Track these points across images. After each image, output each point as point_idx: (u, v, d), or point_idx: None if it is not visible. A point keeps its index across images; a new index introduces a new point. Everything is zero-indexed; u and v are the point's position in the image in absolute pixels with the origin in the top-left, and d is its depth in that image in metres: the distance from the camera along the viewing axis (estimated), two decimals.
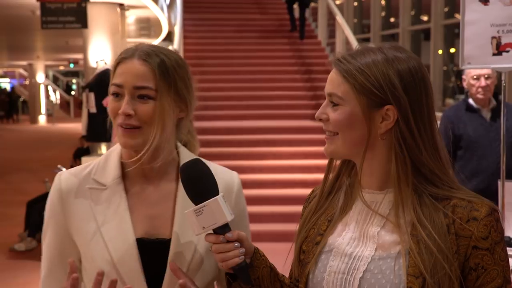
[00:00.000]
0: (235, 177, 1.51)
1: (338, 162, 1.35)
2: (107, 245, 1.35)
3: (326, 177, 1.36)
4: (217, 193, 1.25)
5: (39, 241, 6.62)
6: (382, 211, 1.24)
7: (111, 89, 1.37)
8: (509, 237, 3.05)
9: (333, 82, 1.24)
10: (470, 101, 3.90)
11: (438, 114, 4.43)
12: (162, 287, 1.36)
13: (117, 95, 1.36)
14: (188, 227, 1.36)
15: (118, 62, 1.37)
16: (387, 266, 1.19)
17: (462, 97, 4.14)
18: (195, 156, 1.40)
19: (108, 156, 1.44)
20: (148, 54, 1.36)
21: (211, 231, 1.25)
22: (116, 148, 1.44)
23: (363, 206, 1.27)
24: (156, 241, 1.38)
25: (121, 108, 1.34)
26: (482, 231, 1.18)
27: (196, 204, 1.24)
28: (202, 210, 1.23)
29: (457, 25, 13.21)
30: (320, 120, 1.26)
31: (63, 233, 1.40)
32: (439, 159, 1.23)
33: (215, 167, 1.44)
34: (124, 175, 1.42)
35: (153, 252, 1.37)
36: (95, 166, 1.43)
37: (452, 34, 13.10)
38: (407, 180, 1.21)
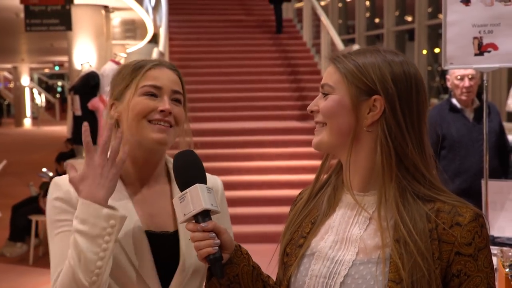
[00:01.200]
0: (219, 182, 1.62)
1: (332, 163, 1.35)
2: (120, 243, 1.38)
3: (317, 178, 1.36)
4: (203, 183, 1.29)
5: (28, 245, 6.58)
6: (365, 213, 1.24)
7: (145, 89, 1.45)
8: (493, 236, 3.08)
9: (327, 75, 1.28)
10: (454, 101, 3.93)
11: None
12: (174, 277, 1.42)
13: (153, 95, 1.45)
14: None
15: (149, 68, 1.47)
16: (368, 271, 1.18)
17: (446, 96, 4.17)
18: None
19: None
20: (172, 64, 1.52)
21: (193, 219, 1.27)
22: None
23: (346, 209, 1.27)
24: (162, 233, 1.45)
25: (163, 106, 1.44)
26: (466, 237, 1.16)
27: (182, 190, 1.29)
28: (184, 197, 1.27)
29: (440, 26, 13.27)
30: (312, 112, 1.28)
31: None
32: (424, 156, 1.23)
33: None
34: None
35: (160, 244, 1.43)
36: None
37: (436, 34, 13.20)
38: (391, 174, 1.21)
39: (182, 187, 1.29)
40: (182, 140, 1.54)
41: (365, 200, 1.25)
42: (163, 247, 1.44)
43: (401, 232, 1.17)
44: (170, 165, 1.50)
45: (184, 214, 1.27)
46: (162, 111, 1.43)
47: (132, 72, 1.48)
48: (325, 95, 1.26)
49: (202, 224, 1.25)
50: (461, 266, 1.17)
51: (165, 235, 1.45)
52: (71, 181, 1.32)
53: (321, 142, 1.27)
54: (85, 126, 1.33)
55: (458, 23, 2.96)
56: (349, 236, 1.24)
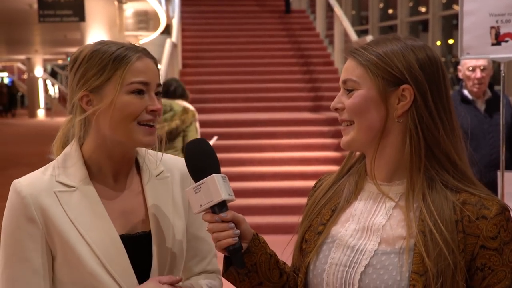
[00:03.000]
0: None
1: (358, 153, 1.33)
2: (91, 247, 1.32)
3: (343, 166, 1.34)
4: (218, 172, 1.25)
5: None
6: (389, 203, 1.22)
7: (133, 86, 1.33)
8: None
9: (348, 69, 1.24)
10: (465, 92, 3.88)
11: None
12: (151, 277, 1.37)
13: (140, 93, 1.34)
14: (163, 218, 1.40)
15: (134, 61, 1.34)
16: (390, 262, 1.16)
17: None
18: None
19: (67, 157, 1.39)
20: (148, 51, 1.39)
21: (209, 210, 1.24)
22: (75, 148, 1.39)
23: (369, 198, 1.25)
24: (138, 235, 1.39)
25: (154, 105, 1.34)
26: (491, 230, 1.14)
27: (196, 182, 1.25)
28: (200, 187, 1.23)
29: (455, 16, 13.19)
30: (336, 110, 1.25)
31: (40, 243, 1.33)
32: (455, 140, 1.21)
33: (166, 156, 1.49)
34: (89, 176, 1.38)
35: (136, 246, 1.37)
36: (55, 169, 1.38)
37: (450, 25, 13.08)
38: (420, 164, 1.18)
39: (196, 176, 1.25)
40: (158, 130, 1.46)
41: (390, 190, 1.23)
42: (140, 249, 1.37)
43: (427, 223, 1.15)
44: (139, 155, 1.45)
45: (201, 205, 1.23)
46: (152, 111, 1.35)
47: (113, 63, 1.33)
48: (350, 91, 1.22)
49: (222, 215, 1.22)
50: (486, 260, 1.15)
51: (142, 236, 1.38)
52: None
53: (352, 141, 1.24)
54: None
55: (475, 12, 2.92)
56: (371, 225, 1.22)
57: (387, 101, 1.19)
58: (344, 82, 1.24)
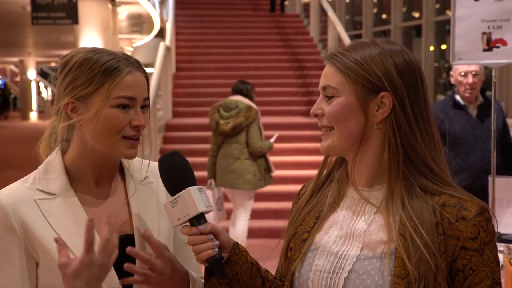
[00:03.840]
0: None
1: (334, 158, 1.33)
2: (73, 253, 1.31)
3: (319, 173, 1.34)
4: (193, 184, 1.25)
5: None
6: (370, 208, 1.23)
7: (119, 101, 1.32)
8: (499, 233, 3.07)
9: (327, 75, 1.23)
10: (457, 97, 3.90)
11: None
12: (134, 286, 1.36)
13: (126, 107, 1.33)
14: (147, 221, 1.40)
15: (124, 75, 1.33)
16: (372, 267, 1.17)
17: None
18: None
19: (48, 165, 1.39)
20: (139, 63, 1.38)
21: (187, 223, 1.24)
22: (56, 155, 1.39)
23: (351, 204, 1.26)
24: (121, 238, 1.35)
25: (138, 121, 1.34)
26: (471, 231, 1.15)
27: (172, 195, 1.25)
28: (176, 201, 1.24)
29: (448, 22, 13.21)
30: (316, 116, 1.25)
31: (21, 252, 1.33)
32: (433, 145, 1.21)
33: (151, 162, 1.49)
34: (70, 181, 1.38)
35: (119, 249, 1.33)
36: (36, 177, 1.38)
37: (444, 31, 13.13)
38: (398, 170, 1.19)
39: (172, 190, 1.25)
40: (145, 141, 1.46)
41: (370, 195, 1.24)
42: (123, 252, 1.33)
43: (407, 227, 1.16)
44: (124, 161, 1.44)
45: (179, 219, 1.24)
46: (136, 126, 1.34)
47: (102, 74, 1.32)
48: (329, 97, 1.23)
49: (200, 227, 1.23)
50: (466, 260, 1.15)
51: (125, 239, 1.36)
52: (61, 268, 1.22)
53: (331, 147, 1.24)
54: (89, 222, 1.21)
55: (467, 18, 2.93)
56: (353, 231, 1.23)
57: (367, 108, 1.20)
58: (324, 88, 1.24)
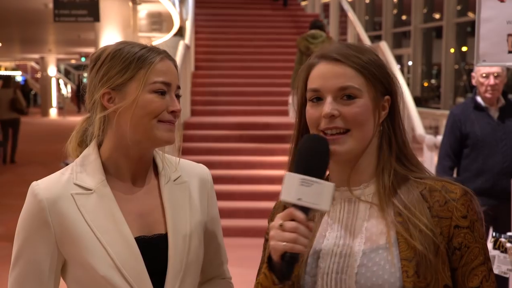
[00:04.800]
0: (207, 170, 1.54)
1: None
2: (106, 250, 1.32)
3: None
4: (324, 178, 1.19)
5: None
6: (364, 205, 1.25)
7: (156, 86, 1.35)
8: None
9: (345, 76, 1.22)
10: (478, 99, 3.86)
11: (447, 112, 4.39)
12: (166, 281, 1.36)
13: (162, 93, 1.36)
14: (180, 221, 1.40)
15: (157, 62, 1.36)
16: (380, 257, 1.19)
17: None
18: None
19: (85, 159, 1.40)
20: (169, 54, 1.41)
21: (297, 208, 1.16)
22: (93, 149, 1.40)
23: (343, 204, 1.26)
24: (155, 237, 1.38)
25: (175, 107, 1.37)
26: (461, 210, 1.21)
27: (305, 175, 1.16)
28: (312, 184, 1.15)
29: (469, 23, 13.12)
30: (332, 116, 1.21)
31: (50, 248, 1.34)
32: (408, 139, 1.31)
33: (184, 161, 1.50)
34: (106, 176, 1.39)
35: (152, 249, 1.37)
36: (73, 171, 1.38)
37: (465, 33, 13.02)
38: (391, 165, 1.25)
39: (307, 172, 1.17)
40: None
41: (362, 193, 1.26)
42: (156, 251, 1.37)
43: (403, 212, 1.21)
44: (157, 158, 1.46)
45: (299, 199, 1.15)
46: (173, 111, 1.37)
47: (137, 62, 1.35)
48: (350, 98, 1.22)
49: (311, 223, 1.16)
50: (461, 238, 1.21)
51: (158, 238, 1.38)
52: None
53: (350, 150, 1.22)
54: None
55: (492, 19, 2.89)
56: (353, 229, 1.24)
57: (379, 111, 1.25)
58: (344, 88, 1.22)
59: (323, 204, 1.15)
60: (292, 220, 1.15)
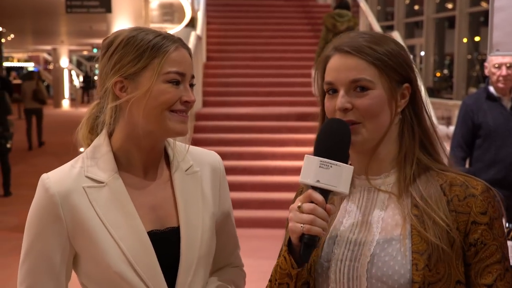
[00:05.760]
0: (218, 158, 1.52)
1: None
2: (119, 245, 1.30)
3: None
4: (346, 162, 1.18)
5: None
6: (383, 195, 1.25)
7: (170, 76, 1.32)
8: None
9: (357, 68, 1.23)
10: (491, 89, 3.83)
11: (460, 103, 4.36)
12: (178, 275, 1.35)
13: (177, 83, 1.33)
14: (192, 214, 1.38)
15: (172, 51, 1.33)
16: (393, 248, 1.19)
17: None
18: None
19: (96, 150, 1.37)
20: (184, 42, 1.38)
21: (315, 189, 1.16)
22: (104, 138, 1.37)
23: (362, 193, 1.27)
24: (167, 230, 1.37)
25: (189, 97, 1.34)
26: (481, 206, 1.20)
27: (325, 157, 1.16)
28: (330, 166, 1.15)
29: (482, 13, 13.00)
30: (345, 109, 1.22)
31: (62, 241, 1.33)
32: (433, 129, 1.29)
33: (195, 149, 1.48)
34: (118, 167, 1.36)
35: (165, 242, 1.35)
36: (84, 162, 1.36)
37: (478, 22, 12.90)
38: (413, 155, 1.25)
39: (327, 155, 1.17)
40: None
41: (382, 183, 1.26)
42: (168, 245, 1.35)
43: (420, 205, 1.20)
44: (168, 149, 1.44)
45: (318, 181, 1.15)
46: (186, 102, 1.34)
47: (151, 51, 1.32)
48: (364, 90, 1.22)
49: (329, 206, 1.16)
50: (478, 235, 1.19)
51: (170, 232, 1.37)
52: None
53: (364, 141, 1.23)
54: None
55: (506, 8, 2.86)
56: (369, 219, 1.24)
57: (395, 101, 1.25)
58: (356, 81, 1.22)
59: (341, 186, 1.16)
60: (311, 202, 1.16)
